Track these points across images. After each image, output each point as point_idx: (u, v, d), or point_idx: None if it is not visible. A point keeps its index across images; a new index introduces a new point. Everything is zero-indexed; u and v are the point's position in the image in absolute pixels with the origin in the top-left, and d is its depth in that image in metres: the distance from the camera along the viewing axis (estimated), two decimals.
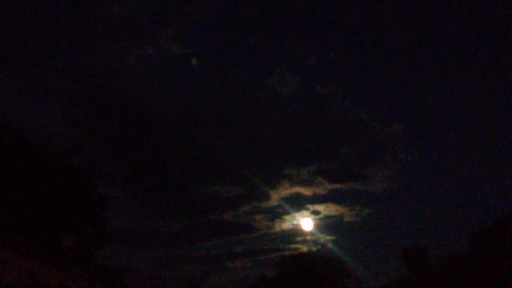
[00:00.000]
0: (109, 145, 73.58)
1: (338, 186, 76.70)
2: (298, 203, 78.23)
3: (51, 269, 22.72)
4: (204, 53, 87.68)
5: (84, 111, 69.76)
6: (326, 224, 74.76)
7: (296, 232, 75.42)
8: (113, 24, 71.37)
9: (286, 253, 65.68)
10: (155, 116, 72.64)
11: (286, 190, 76.45)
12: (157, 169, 76.62)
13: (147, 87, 73.54)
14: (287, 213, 75.55)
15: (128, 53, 75.58)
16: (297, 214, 75.05)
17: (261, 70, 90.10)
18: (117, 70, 71.16)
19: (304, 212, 74.77)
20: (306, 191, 76.38)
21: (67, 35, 70.10)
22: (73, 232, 27.33)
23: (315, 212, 74.22)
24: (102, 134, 72.03)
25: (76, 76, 71.57)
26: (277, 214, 79.26)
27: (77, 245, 27.59)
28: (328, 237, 70.11)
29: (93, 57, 70.88)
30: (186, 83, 78.15)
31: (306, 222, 78.17)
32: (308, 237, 71.27)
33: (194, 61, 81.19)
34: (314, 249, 61.86)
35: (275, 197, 75.99)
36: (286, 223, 76.22)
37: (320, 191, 76.94)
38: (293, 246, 70.75)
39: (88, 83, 69.72)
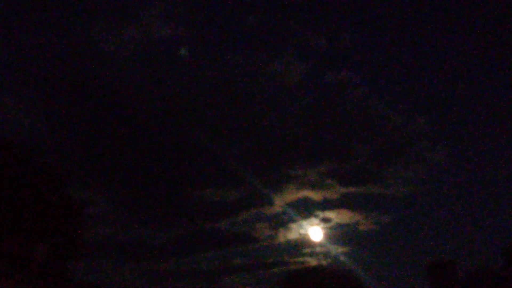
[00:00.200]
0: (86, 142, 72.99)
1: (352, 189, 76.15)
2: (306, 209, 77.69)
3: (18, 286, 22.33)
4: (196, 35, 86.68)
5: (56, 102, 69.32)
6: (338, 234, 74.25)
7: (303, 243, 74.77)
8: (88, 2, 70.78)
9: (292, 267, 65.21)
10: (140, 109, 72.24)
11: (291, 194, 75.93)
12: (144, 170, 76.19)
13: (130, 76, 72.98)
14: (293, 220, 75.02)
15: (106, 37, 74.95)
16: (304, 222, 74.52)
17: (263, 55, 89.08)
18: (93, 56, 70.57)
19: (313, 220, 74.22)
20: (315, 195, 75.84)
21: (34, 14, 69.38)
22: (45, 243, 26.99)
23: (325, 220, 73.72)
24: (78, 129, 71.53)
25: (45, 61, 70.94)
26: (281, 222, 78.61)
27: (50, 257, 27.26)
28: (340, 249, 69.50)
29: (65, 40, 70.25)
30: (175, 71, 77.54)
31: (315, 231, 77.14)
32: (318, 249, 70.54)
33: (184, 45, 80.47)
34: (324, 262, 61.29)
35: (279, 202, 75.48)
36: (292, 233, 75.65)
37: (331, 195, 76.33)
38: (300, 259, 70.16)
39: (61, 70, 68.97)
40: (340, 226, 75.06)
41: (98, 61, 70.59)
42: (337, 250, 69.49)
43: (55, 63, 69.66)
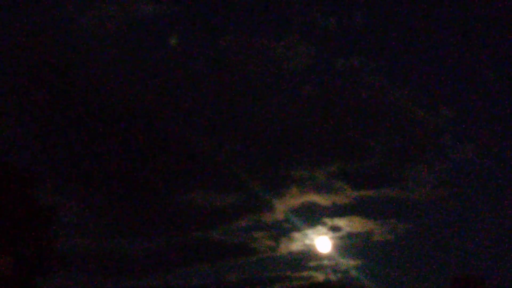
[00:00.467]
0: (57, 137, 73.71)
1: (365, 193, 76.57)
2: (312, 216, 78.13)
3: None
4: (185, 12, 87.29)
5: (22, 90, 69.88)
6: (349, 245, 74.74)
7: (309, 255, 75.41)
8: None
9: (296, 283, 66.24)
10: (120, 100, 72.80)
11: (295, 199, 76.43)
12: (124, 171, 76.75)
13: (108, 61, 73.42)
14: (297, 229, 75.60)
15: (80, 13, 75.57)
16: (310, 231, 75.11)
17: (264, 37, 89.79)
18: (65, 35, 71.12)
19: (320, 228, 74.78)
20: (322, 200, 76.41)
21: None
22: (9, 255, 27.61)
23: (334, 229, 74.34)
24: (47, 123, 72.20)
25: (9, 43, 71.56)
26: (283, 230, 79.10)
27: (15, 271, 27.88)
28: (352, 262, 70.20)
29: (31, 18, 70.84)
30: (160, 54, 78.07)
31: (322, 242, 77.85)
32: (325, 262, 71.31)
33: (173, 31, 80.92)
34: (333, 278, 62.29)
35: (281, 208, 75.99)
36: (296, 243, 76.28)
37: (341, 200, 76.83)
38: (305, 273, 70.85)
39: (29, 54, 69.66)
40: (351, 235, 75.59)
41: (71, 43, 70.87)
42: (348, 263, 70.25)
43: (22, 44, 70.39)
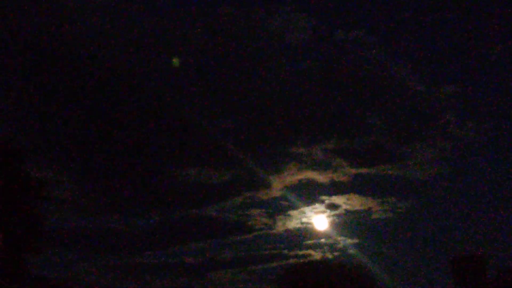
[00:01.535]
0: (46, 110, 72.58)
1: (364, 170, 76.60)
2: (310, 194, 78.20)
3: None
4: None
5: (9, 64, 68.64)
6: (347, 222, 74.98)
7: (306, 233, 75.57)
8: None
9: (292, 261, 65.93)
10: (111, 73, 71.58)
11: (292, 176, 76.26)
12: (117, 146, 76.02)
13: (97, 32, 71.86)
14: (294, 207, 75.57)
15: None
16: (307, 209, 75.09)
17: (260, 9, 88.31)
18: (55, 4, 69.60)
19: (318, 206, 74.80)
20: (320, 178, 76.23)
21: None
22: None
23: (332, 206, 74.28)
24: (36, 96, 70.99)
25: None
26: (280, 208, 79.19)
27: (3, 248, 27.30)
28: (349, 240, 70.45)
29: None
30: (156, 25, 76.72)
31: (320, 220, 78.04)
32: (323, 240, 71.44)
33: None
34: (330, 256, 62.15)
35: (278, 185, 75.80)
36: (293, 221, 76.27)
37: (339, 177, 76.73)
38: (302, 252, 71.01)
39: (14, 27, 68.09)
40: (349, 213, 75.86)
41: (57, 13, 69.67)
42: (346, 241, 70.41)
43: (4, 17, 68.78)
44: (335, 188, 76.26)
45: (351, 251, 68.92)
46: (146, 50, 74.33)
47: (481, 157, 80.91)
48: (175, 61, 73.28)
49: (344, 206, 74.48)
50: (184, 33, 76.94)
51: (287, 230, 76.75)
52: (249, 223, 76.54)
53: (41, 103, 71.62)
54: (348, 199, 75.80)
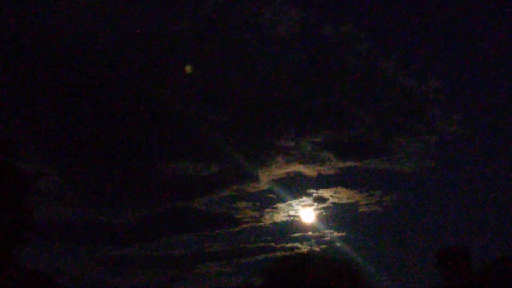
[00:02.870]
0: (33, 101, 72.18)
1: (351, 164, 76.83)
2: (297, 187, 78.30)
3: None
4: None
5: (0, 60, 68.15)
6: (334, 216, 75.30)
7: (293, 226, 75.92)
8: None
9: (279, 254, 66.29)
10: (102, 68, 71.28)
11: (280, 169, 76.49)
12: (104, 139, 75.87)
13: (81, 18, 71.41)
14: (282, 200, 75.82)
15: None
16: (295, 202, 75.39)
17: (247, 1, 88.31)
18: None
19: (305, 199, 75.08)
20: (307, 171, 76.52)
21: None
22: None
23: (319, 200, 74.64)
24: (22, 85, 70.48)
25: None
26: (268, 201, 79.39)
27: None
28: (336, 233, 70.92)
29: None
30: (144, 19, 76.38)
31: (307, 213, 78.34)
32: (310, 233, 71.85)
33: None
34: (317, 249, 62.52)
35: (265, 178, 76.06)
36: (280, 214, 76.56)
37: (327, 170, 77.03)
38: (289, 244, 71.37)
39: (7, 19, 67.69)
40: (336, 206, 75.95)
41: (55, 5, 69.21)
42: (333, 234, 70.82)
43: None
44: (323, 182, 76.68)
45: (338, 244, 69.50)
46: (132, 43, 74.00)
47: (466, 150, 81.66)
48: (188, 68, 73.04)
49: (331, 199, 74.88)
50: (171, 26, 76.91)
51: (275, 223, 77.08)
52: (237, 216, 76.81)
53: (27, 95, 71.24)
54: (335, 192, 76.21)
